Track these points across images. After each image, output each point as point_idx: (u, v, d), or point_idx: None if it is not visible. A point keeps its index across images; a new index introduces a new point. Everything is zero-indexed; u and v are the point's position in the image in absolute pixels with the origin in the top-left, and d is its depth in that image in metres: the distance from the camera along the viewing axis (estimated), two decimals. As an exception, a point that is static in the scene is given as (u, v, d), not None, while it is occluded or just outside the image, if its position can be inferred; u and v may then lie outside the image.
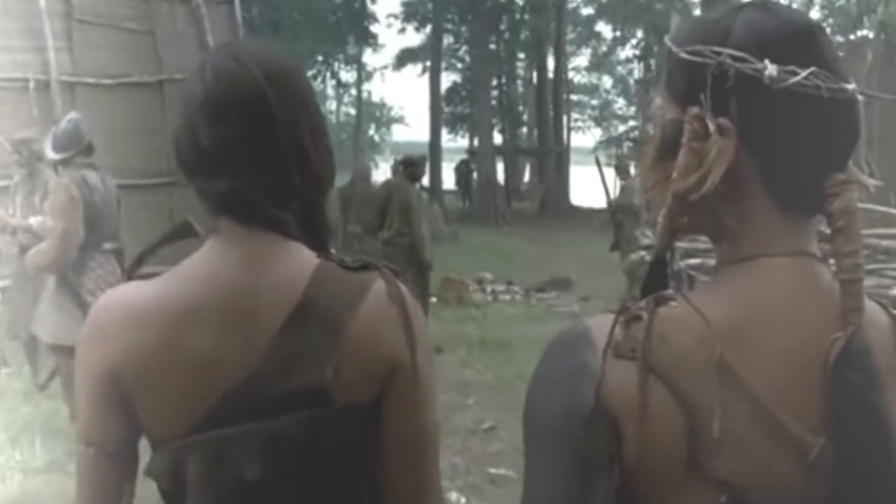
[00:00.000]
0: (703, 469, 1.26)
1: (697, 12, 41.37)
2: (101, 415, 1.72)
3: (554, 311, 14.83)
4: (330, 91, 53.68)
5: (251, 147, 1.71)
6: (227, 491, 1.69)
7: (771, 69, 1.28)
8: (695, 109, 1.34)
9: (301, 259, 1.74)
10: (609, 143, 52.89)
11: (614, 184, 38.65)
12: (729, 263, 1.37)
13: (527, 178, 49.65)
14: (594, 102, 58.88)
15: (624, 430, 1.28)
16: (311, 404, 1.67)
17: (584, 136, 58.57)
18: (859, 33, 22.48)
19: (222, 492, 1.69)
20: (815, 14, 34.27)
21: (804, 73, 1.29)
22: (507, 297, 16.19)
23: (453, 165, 41.19)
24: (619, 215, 15.20)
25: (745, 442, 1.25)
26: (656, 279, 1.42)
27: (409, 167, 11.16)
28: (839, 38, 21.41)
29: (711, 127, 1.32)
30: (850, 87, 1.31)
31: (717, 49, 1.32)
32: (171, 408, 1.69)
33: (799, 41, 1.33)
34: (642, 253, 10.17)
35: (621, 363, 1.29)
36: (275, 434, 1.67)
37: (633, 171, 15.00)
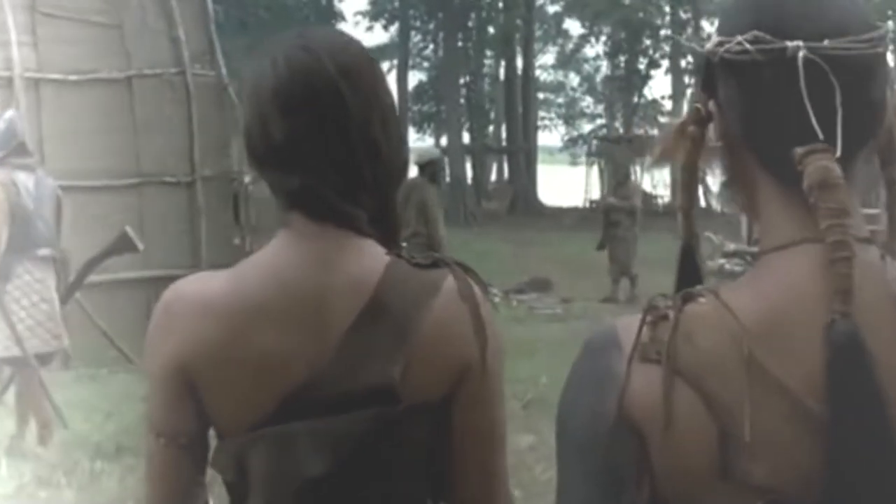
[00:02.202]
0: (736, 475, 1.20)
1: (667, 9, 42.05)
2: (172, 406, 1.73)
3: (536, 314, 14.56)
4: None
5: (324, 141, 1.71)
6: (290, 487, 1.69)
7: (710, 43, 1.30)
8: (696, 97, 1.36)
9: (372, 256, 1.73)
10: (575, 141, 52.91)
11: (586, 181, 39.09)
12: (760, 254, 1.32)
13: (493, 177, 49.56)
14: (560, 100, 58.80)
15: (650, 438, 1.24)
16: (378, 403, 1.67)
17: (550, 135, 58.53)
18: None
19: (286, 487, 1.69)
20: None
21: (734, 41, 1.27)
22: (487, 300, 15.82)
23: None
24: (613, 214, 15.13)
25: (780, 443, 1.20)
26: (688, 272, 1.39)
27: (429, 167, 11.07)
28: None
29: (703, 111, 1.34)
30: (792, 45, 1.23)
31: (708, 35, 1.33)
32: (238, 401, 1.70)
33: (752, 7, 1.31)
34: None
35: (647, 367, 1.24)
36: (339, 432, 1.67)
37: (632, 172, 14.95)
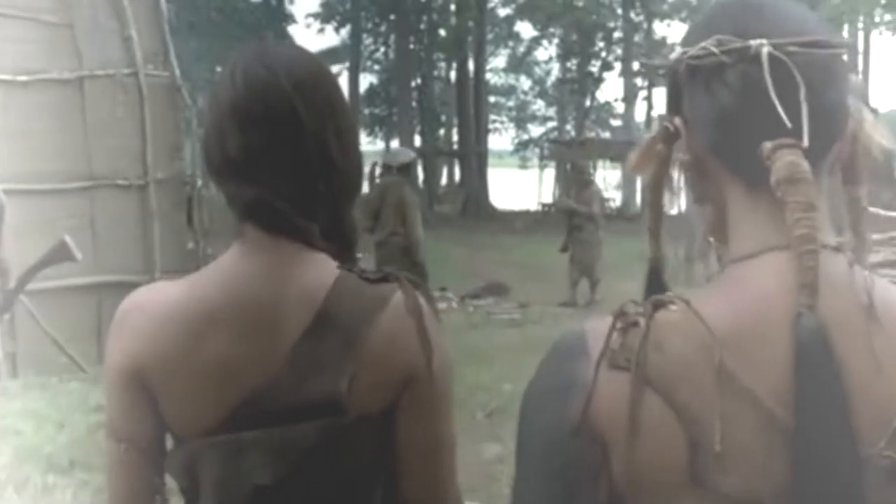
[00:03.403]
0: (706, 484, 1.20)
1: (619, 11, 42.28)
2: (130, 411, 1.78)
3: (493, 319, 14.38)
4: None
5: (279, 156, 1.76)
6: (239, 493, 1.73)
7: (674, 54, 1.32)
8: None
9: (322, 270, 1.78)
10: (526, 144, 53.03)
11: (539, 184, 39.13)
12: (729, 263, 1.33)
13: (444, 180, 49.55)
14: (511, 104, 58.88)
15: (614, 446, 1.24)
16: (327, 413, 1.71)
17: (500, 138, 58.57)
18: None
19: (235, 494, 1.73)
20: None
21: (697, 46, 1.30)
22: (444, 305, 15.59)
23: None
24: (576, 219, 15.10)
25: (750, 452, 1.20)
26: (655, 283, 1.42)
27: (405, 168, 11.22)
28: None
29: (671, 129, 1.35)
30: (755, 42, 1.26)
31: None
32: (192, 408, 1.74)
33: (715, 17, 1.34)
34: None
35: (616, 374, 1.25)
36: (289, 441, 1.71)
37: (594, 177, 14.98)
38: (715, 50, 1.28)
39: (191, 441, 1.75)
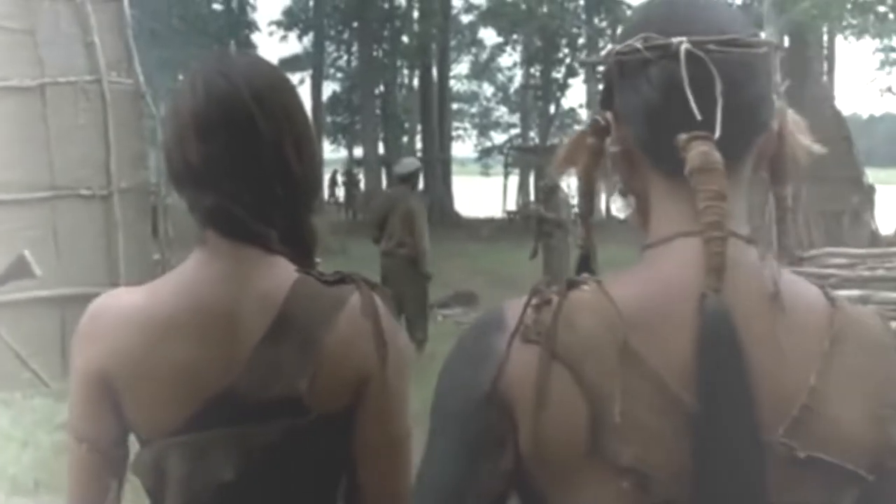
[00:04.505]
0: (605, 456, 1.26)
1: (583, 17, 42.36)
2: (92, 412, 1.83)
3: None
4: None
5: (237, 164, 1.81)
6: (204, 491, 1.78)
7: (605, 50, 1.41)
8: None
9: (280, 274, 1.84)
10: (489, 151, 53.03)
11: (504, 191, 39.10)
12: (646, 248, 1.39)
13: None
14: (473, 110, 58.82)
15: (521, 415, 1.30)
16: (288, 413, 1.77)
17: (462, 145, 58.56)
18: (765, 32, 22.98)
19: (200, 492, 1.79)
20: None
21: (625, 44, 1.37)
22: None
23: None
24: (546, 226, 15.07)
25: (648, 427, 1.26)
26: (583, 268, 1.48)
27: (412, 177, 11.43)
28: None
29: (602, 122, 1.42)
30: (676, 40, 1.33)
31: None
32: (156, 410, 1.79)
33: (644, 16, 1.42)
34: None
35: (527, 348, 1.31)
36: (252, 440, 1.77)
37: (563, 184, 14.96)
38: (640, 47, 1.35)
39: (156, 442, 1.80)
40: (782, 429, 1.28)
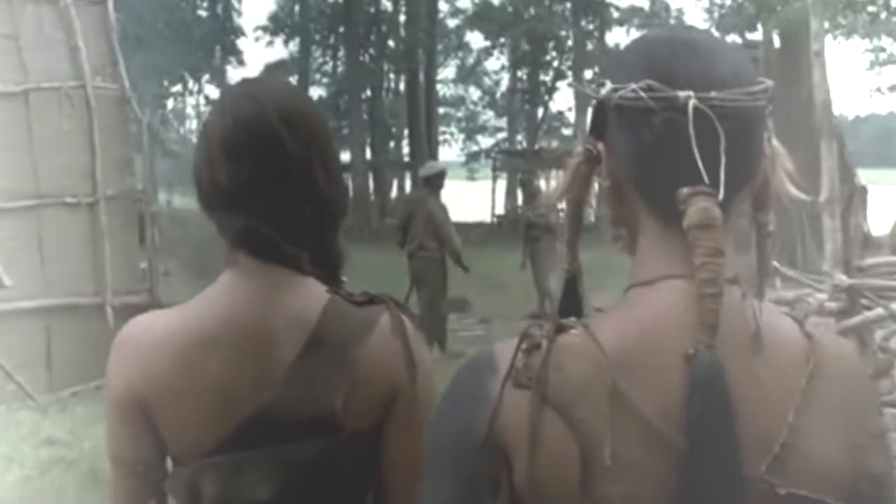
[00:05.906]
0: (595, 495, 1.30)
1: (571, 19, 42.34)
2: (129, 436, 1.88)
3: (458, 336, 14.00)
4: (190, 110, 52.24)
5: (267, 186, 1.86)
6: None
7: (605, 89, 1.40)
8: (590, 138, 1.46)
9: (312, 294, 1.88)
10: (476, 155, 53.02)
11: (492, 196, 39.03)
12: (631, 287, 1.43)
13: (395, 192, 49.51)
14: (460, 115, 58.81)
15: (515, 458, 1.34)
16: (322, 432, 1.81)
17: (448, 149, 58.43)
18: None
19: None
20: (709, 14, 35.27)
21: (627, 88, 1.37)
22: (405, 323, 15.36)
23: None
24: (534, 231, 15.16)
25: (637, 466, 1.30)
26: (571, 300, 1.51)
27: (435, 179, 11.85)
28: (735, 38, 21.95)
29: (594, 152, 1.44)
30: (683, 94, 1.34)
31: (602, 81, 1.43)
32: (191, 431, 1.83)
33: (646, 58, 1.41)
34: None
35: (519, 392, 1.35)
36: (287, 459, 1.81)
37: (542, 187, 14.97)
38: (644, 95, 1.36)
39: (191, 462, 1.84)
40: (764, 466, 1.32)
